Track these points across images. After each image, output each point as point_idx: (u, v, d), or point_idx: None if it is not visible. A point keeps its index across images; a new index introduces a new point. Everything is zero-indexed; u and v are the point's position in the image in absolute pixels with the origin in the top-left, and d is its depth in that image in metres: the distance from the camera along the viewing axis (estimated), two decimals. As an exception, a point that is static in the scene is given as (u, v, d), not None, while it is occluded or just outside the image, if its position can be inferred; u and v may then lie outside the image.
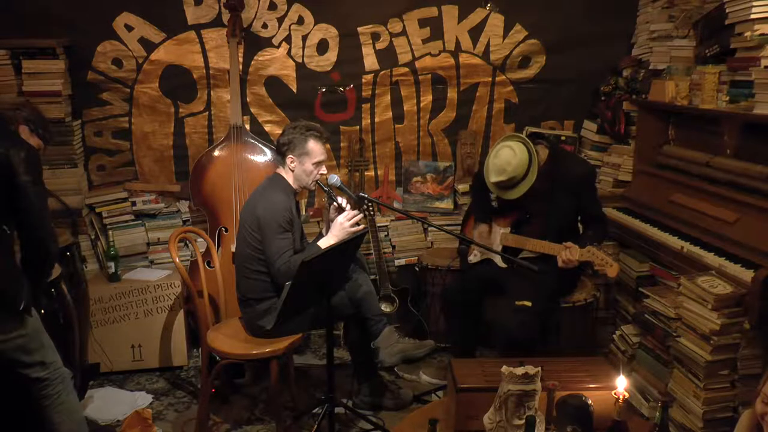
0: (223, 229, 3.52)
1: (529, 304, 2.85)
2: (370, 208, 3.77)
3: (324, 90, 3.89)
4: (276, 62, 3.81)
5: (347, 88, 3.91)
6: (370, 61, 3.88)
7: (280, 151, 2.86)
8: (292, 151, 2.82)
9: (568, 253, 2.84)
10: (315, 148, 2.82)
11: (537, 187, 2.94)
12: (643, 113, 3.59)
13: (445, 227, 3.77)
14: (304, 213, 3.92)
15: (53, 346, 2.38)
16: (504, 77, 4.01)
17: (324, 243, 2.80)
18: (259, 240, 2.76)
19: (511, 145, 2.91)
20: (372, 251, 3.77)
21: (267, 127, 3.88)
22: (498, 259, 3.11)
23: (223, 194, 3.52)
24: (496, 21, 3.90)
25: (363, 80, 3.90)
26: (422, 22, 3.86)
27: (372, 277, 3.48)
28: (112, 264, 3.45)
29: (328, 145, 3.50)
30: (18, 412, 2.49)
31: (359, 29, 3.83)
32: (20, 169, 2.16)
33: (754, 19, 2.77)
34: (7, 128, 2.39)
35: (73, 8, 3.54)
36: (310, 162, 2.83)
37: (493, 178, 2.94)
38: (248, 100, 3.83)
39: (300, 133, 2.81)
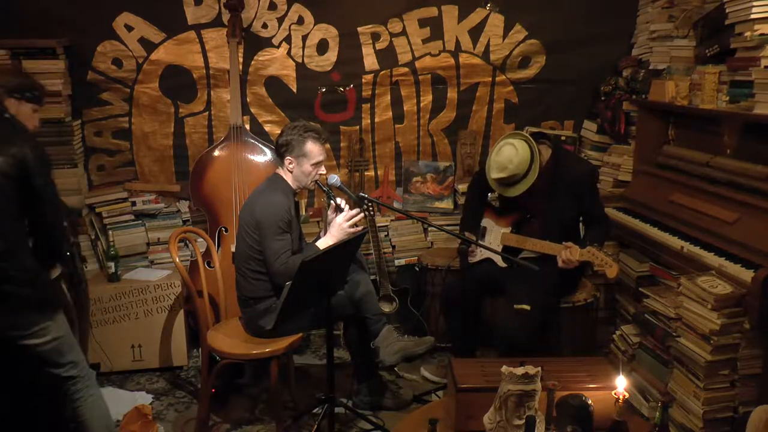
0: (223, 229, 3.52)
1: (527, 308, 2.85)
2: (370, 208, 3.77)
3: (324, 90, 3.89)
4: (276, 62, 3.80)
5: (347, 88, 3.91)
6: (370, 61, 3.88)
7: (279, 153, 2.86)
8: (290, 153, 2.82)
9: (568, 253, 2.84)
10: (313, 149, 2.82)
11: (538, 187, 2.94)
12: (643, 113, 3.58)
13: (445, 227, 3.76)
14: (303, 213, 3.92)
15: (78, 345, 2.46)
16: (504, 77, 4.01)
17: (322, 244, 2.80)
18: (258, 241, 2.76)
19: (514, 142, 2.91)
20: (372, 251, 3.77)
21: (267, 127, 3.87)
22: (498, 259, 3.11)
23: (223, 194, 3.52)
24: (496, 21, 3.90)
25: (363, 80, 3.90)
26: (422, 22, 3.86)
27: (372, 277, 3.48)
28: (112, 264, 3.45)
29: (328, 145, 3.50)
30: (34, 412, 2.54)
31: (359, 29, 3.82)
32: (34, 171, 2.18)
33: (754, 19, 2.76)
34: (12, 125, 2.35)
35: (73, 8, 3.53)
36: (308, 163, 2.82)
37: (494, 174, 2.95)
38: (248, 100, 3.83)
39: (298, 135, 2.80)
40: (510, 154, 2.88)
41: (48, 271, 2.38)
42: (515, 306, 2.86)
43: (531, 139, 2.94)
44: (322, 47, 3.83)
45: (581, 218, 3.16)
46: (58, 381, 2.35)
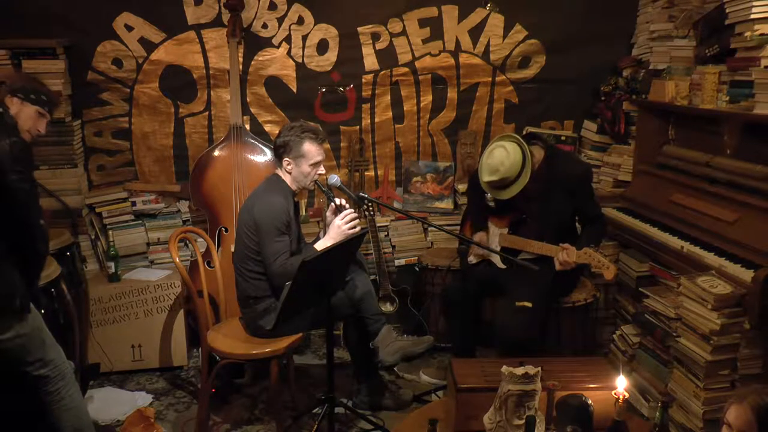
0: (223, 229, 3.52)
1: (529, 304, 2.84)
2: (370, 208, 3.77)
3: (324, 90, 3.89)
4: (276, 62, 3.81)
5: (347, 88, 3.91)
6: (370, 61, 3.88)
7: (277, 154, 2.86)
8: (288, 154, 2.81)
9: (564, 255, 2.84)
10: (311, 149, 2.81)
11: (533, 188, 2.94)
12: (643, 113, 3.59)
13: (445, 227, 3.77)
14: (303, 213, 3.92)
15: (55, 343, 2.40)
16: (504, 77, 4.01)
17: (321, 245, 2.80)
18: (257, 241, 2.76)
19: (505, 145, 2.91)
20: (372, 251, 3.77)
21: (267, 127, 3.88)
22: (498, 260, 3.11)
23: (223, 194, 3.52)
24: (496, 21, 3.90)
25: (363, 80, 3.90)
26: (422, 22, 3.86)
27: (372, 277, 3.48)
28: (112, 264, 3.45)
29: (327, 145, 3.50)
30: (23, 410, 2.51)
31: (359, 29, 3.83)
32: (6, 166, 2.10)
33: (754, 19, 2.76)
34: (1, 122, 2.28)
35: (73, 8, 3.53)
36: (306, 164, 2.82)
37: (485, 177, 2.94)
38: (248, 100, 3.83)
39: (296, 135, 2.80)
40: (501, 156, 2.87)
41: (26, 271, 2.31)
42: (517, 303, 2.86)
43: (522, 141, 2.93)
44: (322, 47, 3.83)
45: (578, 218, 3.16)
46: (30, 379, 2.31)
